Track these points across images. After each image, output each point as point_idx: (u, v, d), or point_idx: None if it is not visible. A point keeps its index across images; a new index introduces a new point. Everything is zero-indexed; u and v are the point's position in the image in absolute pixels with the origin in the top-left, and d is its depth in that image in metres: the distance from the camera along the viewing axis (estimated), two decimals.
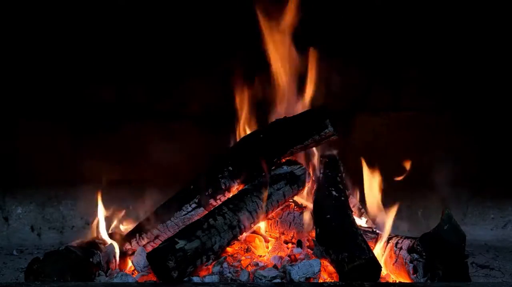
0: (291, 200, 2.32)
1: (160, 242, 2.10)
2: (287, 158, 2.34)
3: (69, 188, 3.12)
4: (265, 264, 2.08)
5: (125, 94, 3.12)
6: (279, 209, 2.27)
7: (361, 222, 2.38)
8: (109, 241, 2.19)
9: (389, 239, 2.12)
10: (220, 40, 2.98)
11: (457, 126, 3.11)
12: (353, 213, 2.19)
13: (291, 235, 2.29)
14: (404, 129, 3.12)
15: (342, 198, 2.22)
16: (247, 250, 2.20)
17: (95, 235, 2.24)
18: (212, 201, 2.26)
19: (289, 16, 2.47)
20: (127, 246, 2.23)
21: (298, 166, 2.30)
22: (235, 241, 2.14)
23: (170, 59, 3.07)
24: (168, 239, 1.98)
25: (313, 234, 2.14)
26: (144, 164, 3.01)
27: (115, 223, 2.38)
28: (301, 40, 2.49)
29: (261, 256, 2.19)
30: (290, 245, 2.26)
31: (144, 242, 2.22)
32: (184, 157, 3.01)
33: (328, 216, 2.08)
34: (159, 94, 3.11)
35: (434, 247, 1.89)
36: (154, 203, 2.44)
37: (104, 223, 2.27)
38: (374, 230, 2.25)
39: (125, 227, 2.38)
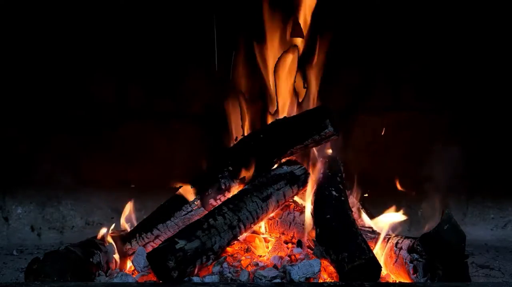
0: (291, 200, 2.32)
1: (160, 242, 2.10)
2: (287, 158, 2.34)
3: (69, 188, 3.12)
4: (265, 264, 2.08)
5: (125, 94, 3.12)
6: (279, 209, 2.27)
7: (361, 222, 2.37)
8: (109, 241, 2.19)
9: (389, 239, 2.12)
10: (221, 39, 2.98)
11: (456, 126, 3.11)
12: (353, 213, 2.19)
13: (291, 235, 2.29)
14: (404, 129, 3.12)
15: (342, 198, 2.22)
16: (247, 250, 2.20)
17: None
18: (212, 201, 2.26)
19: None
20: (127, 246, 2.23)
21: (298, 166, 2.30)
22: (235, 241, 2.14)
23: (170, 59, 3.07)
24: (168, 239, 1.98)
25: (313, 234, 2.14)
26: (144, 164, 3.01)
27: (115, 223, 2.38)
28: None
29: (261, 256, 2.19)
30: (290, 245, 2.26)
31: (144, 242, 2.22)
32: (184, 157, 3.01)
33: (328, 216, 2.08)
34: (159, 94, 3.11)
35: (434, 247, 1.89)
36: (154, 203, 2.44)
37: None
38: (374, 230, 2.25)
39: (125, 227, 2.38)
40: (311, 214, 2.21)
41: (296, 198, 2.36)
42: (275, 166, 2.31)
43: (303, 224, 2.26)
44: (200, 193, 2.26)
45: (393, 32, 3.04)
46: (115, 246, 2.16)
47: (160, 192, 2.51)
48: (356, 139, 3.07)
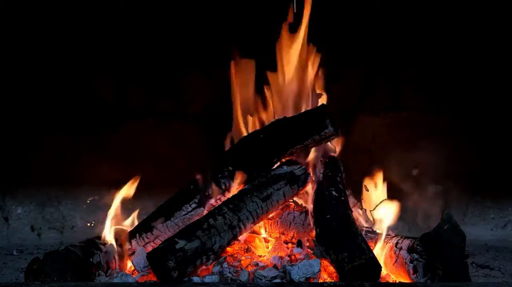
0: (291, 200, 2.32)
1: (160, 242, 2.10)
2: (287, 158, 2.34)
3: (69, 188, 3.12)
4: (265, 264, 2.08)
5: (125, 94, 3.12)
6: (279, 209, 2.27)
7: (361, 222, 2.37)
8: (109, 241, 2.19)
9: (389, 239, 2.12)
10: (220, 39, 2.98)
11: (456, 126, 3.11)
12: (353, 213, 2.20)
13: (291, 235, 2.29)
14: (404, 129, 3.13)
15: (342, 198, 2.22)
16: (247, 250, 2.20)
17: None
18: (212, 201, 2.26)
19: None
20: (127, 246, 2.23)
21: (298, 166, 2.29)
22: (235, 241, 2.14)
23: (170, 59, 3.07)
24: (168, 239, 1.98)
25: (313, 234, 2.14)
26: (144, 164, 3.01)
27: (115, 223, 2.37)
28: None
29: (261, 256, 2.19)
30: (290, 245, 2.25)
31: (144, 242, 2.22)
32: (184, 157, 3.01)
33: (328, 216, 2.08)
34: (159, 94, 3.11)
35: (434, 247, 1.89)
36: (154, 203, 2.44)
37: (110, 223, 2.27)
38: (374, 230, 2.25)
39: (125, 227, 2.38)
40: (311, 214, 2.21)
41: (296, 198, 2.36)
42: (275, 166, 2.31)
43: (303, 224, 2.26)
44: (200, 193, 2.26)
45: (393, 32, 3.04)
46: None
47: (160, 192, 2.51)
48: (356, 139, 3.07)
